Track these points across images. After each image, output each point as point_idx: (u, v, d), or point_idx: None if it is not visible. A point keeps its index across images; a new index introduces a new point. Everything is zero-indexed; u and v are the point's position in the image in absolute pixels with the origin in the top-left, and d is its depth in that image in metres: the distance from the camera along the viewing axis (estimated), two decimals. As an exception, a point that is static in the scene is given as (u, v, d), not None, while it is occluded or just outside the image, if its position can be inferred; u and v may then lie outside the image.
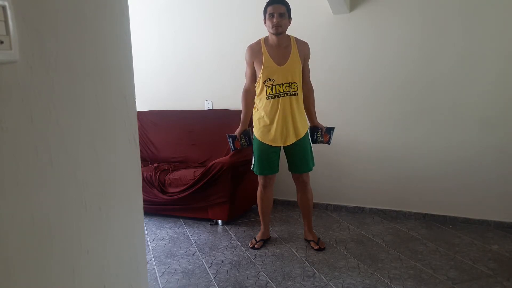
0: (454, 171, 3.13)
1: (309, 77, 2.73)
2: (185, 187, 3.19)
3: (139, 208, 0.94)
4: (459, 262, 2.50)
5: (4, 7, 0.59)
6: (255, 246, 2.78)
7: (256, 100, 2.69)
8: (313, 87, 2.77)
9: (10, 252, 0.62)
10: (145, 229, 3.17)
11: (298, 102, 2.62)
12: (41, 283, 0.68)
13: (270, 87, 2.58)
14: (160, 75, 4.12)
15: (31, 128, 0.65)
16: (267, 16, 2.55)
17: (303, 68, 2.65)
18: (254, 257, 2.65)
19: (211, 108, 3.94)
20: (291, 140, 2.64)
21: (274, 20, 2.50)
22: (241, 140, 2.81)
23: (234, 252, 2.74)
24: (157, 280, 2.36)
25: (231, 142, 2.82)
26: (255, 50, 2.62)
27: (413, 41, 3.14)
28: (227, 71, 3.79)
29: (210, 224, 3.26)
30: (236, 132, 2.80)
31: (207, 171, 3.11)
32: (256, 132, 2.69)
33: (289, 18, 2.58)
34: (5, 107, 0.60)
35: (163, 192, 3.29)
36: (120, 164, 0.87)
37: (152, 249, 2.80)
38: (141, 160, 0.97)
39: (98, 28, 0.79)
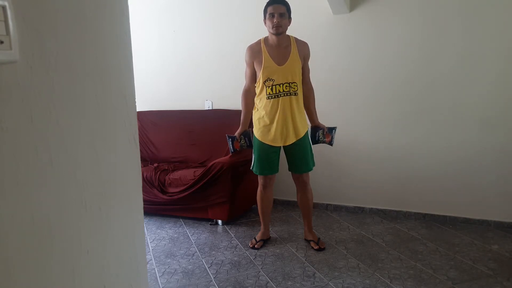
0: (454, 171, 3.13)
1: (309, 77, 2.73)
2: (185, 187, 3.19)
3: (139, 208, 0.94)
4: (459, 262, 2.50)
5: (4, 7, 0.59)
6: (255, 246, 2.79)
7: (256, 100, 2.69)
8: (313, 87, 2.77)
9: (10, 252, 0.62)
10: (145, 229, 3.17)
11: (298, 102, 2.62)
12: (41, 283, 0.68)
13: (270, 87, 2.58)
14: (160, 75, 4.12)
15: (31, 128, 0.65)
16: (267, 16, 2.55)
17: (303, 68, 2.66)
18: (254, 257, 2.65)
19: (211, 108, 3.94)
20: (291, 140, 2.64)
21: (275, 20, 2.50)
22: (240, 141, 2.78)
23: (234, 252, 2.74)
24: (157, 280, 2.36)
25: (230, 143, 2.79)
26: (255, 50, 2.62)
27: (413, 41, 3.14)
28: (227, 71, 3.79)
29: (210, 224, 3.26)
30: (236, 133, 2.79)
31: (207, 171, 3.11)
32: (256, 132, 2.69)
33: (289, 18, 2.58)
34: (5, 107, 0.60)
35: (163, 192, 3.29)
36: (120, 164, 0.87)
37: (152, 249, 2.80)
38: (141, 160, 0.97)
39: (98, 28, 0.79)
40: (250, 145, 2.78)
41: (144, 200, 0.99)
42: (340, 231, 3.07)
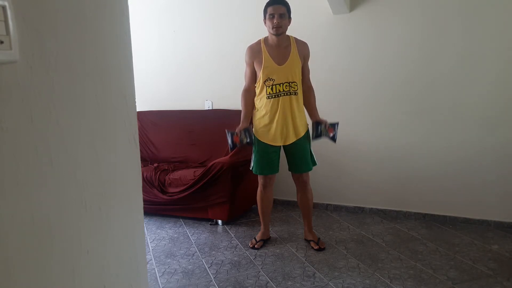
0: (454, 171, 3.13)
1: (309, 77, 2.73)
2: (185, 187, 3.19)
3: (139, 208, 0.94)
4: (459, 262, 2.50)
5: (4, 7, 0.59)
6: (255, 246, 2.79)
7: (256, 100, 2.69)
8: (313, 87, 2.76)
9: (10, 252, 0.62)
10: (145, 229, 3.17)
11: (298, 102, 2.62)
12: (41, 283, 0.68)
13: (270, 87, 2.58)
14: (160, 75, 4.12)
15: (31, 128, 0.65)
16: (267, 16, 2.55)
17: (303, 68, 2.66)
18: (254, 257, 2.65)
19: (211, 108, 3.94)
20: (291, 139, 2.64)
21: (275, 21, 2.50)
22: (240, 135, 2.64)
23: (234, 252, 2.74)
24: (157, 280, 2.36)
25: (229, 137, 2.65)
26: (255, 50, 2.62)
27: (413, 41, 3.14)
28: (227, 71, 3.79)
29: (210, 224, 3.26)
30: (237, 129, 2.67)
31: (207, 171, 3.11)
32: (256, 131, 2.69)
33: (289, 18, 2.58)
34: (5, 107, 0.60)
35: (163, 192, 3.29)
36: (120, 164, 0.87)
37: (152, 249, 2.80)
38: (141, 160, 0.97)
39: (98, 28, 0.79)
40: (250, 140, 2.66)
41: (144, 200, 0.99)
42: (340, 231, 3.07)
